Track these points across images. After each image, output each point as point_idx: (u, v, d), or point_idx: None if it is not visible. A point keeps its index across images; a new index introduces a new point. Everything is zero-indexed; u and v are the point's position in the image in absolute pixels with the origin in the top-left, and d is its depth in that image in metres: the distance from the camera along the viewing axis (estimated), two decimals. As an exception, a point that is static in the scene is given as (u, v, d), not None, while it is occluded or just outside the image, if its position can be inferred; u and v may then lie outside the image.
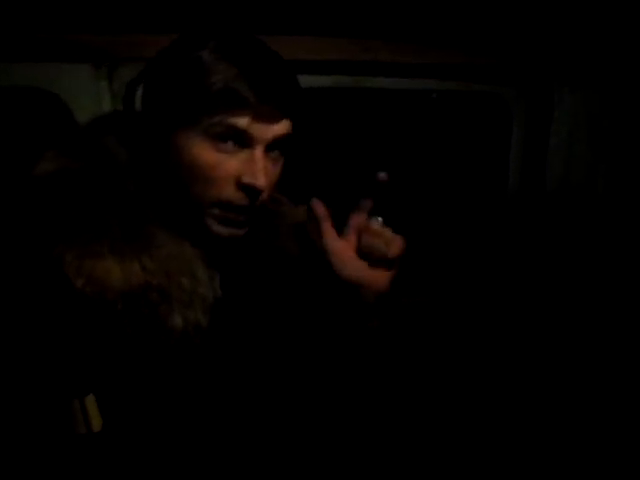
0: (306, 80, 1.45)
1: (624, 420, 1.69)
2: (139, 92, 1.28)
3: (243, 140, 0.73)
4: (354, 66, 1.44)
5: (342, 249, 0.79)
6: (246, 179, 0.73)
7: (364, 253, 0.79)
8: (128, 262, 0.69)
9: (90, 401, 0.64)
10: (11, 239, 0.69)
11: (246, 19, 1.28)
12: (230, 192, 0.74)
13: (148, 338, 0.69)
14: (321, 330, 0.86)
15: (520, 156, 1.71)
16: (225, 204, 0.74)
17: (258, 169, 0.73)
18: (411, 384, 1.59)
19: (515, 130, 1.69)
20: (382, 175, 0.78)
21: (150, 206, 0.76)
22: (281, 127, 0.74)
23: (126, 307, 0.68)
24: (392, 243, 0.79)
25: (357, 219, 0.79)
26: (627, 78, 1.61)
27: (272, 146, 0.75)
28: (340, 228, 0.82)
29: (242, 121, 0.71)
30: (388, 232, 0.79)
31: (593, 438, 1.69)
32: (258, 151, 0.73)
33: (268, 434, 0.81)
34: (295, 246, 0.92)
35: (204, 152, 0.72)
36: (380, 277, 0.80)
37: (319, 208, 0.79)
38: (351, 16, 1.36)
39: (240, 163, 0.73)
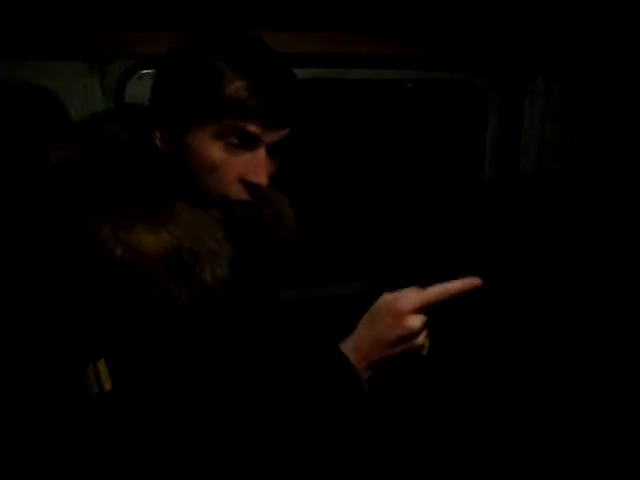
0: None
1: (623, 415, 1.69)
2: (128, 87, 1.34)
3: (250, 142, 0.79)
4: (332, 58, 1.49)
5: None
6: (250, 178, 0.80)
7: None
8: (157, 231, 0.75)
9: (102, 364, 0.70)
10: (47, 220, 0.75)
11: (229, 15, 1.33)
12: (235, 189, 0.80)
13: (185, 293, 0.75)
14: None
15: (495, 142, 1.76)
16: (230, 201, 0.81)
17: (262, 168, 0.79)
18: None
19: (490, 117, 1.74)
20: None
21: (164, 182, 0.82)
22: (285, 131, 0.81)
23: (165, 268, 0.74)
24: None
25: None
26: (598, 64, 1.64)
27: (273, 146, 0.81)
28: None
29: (252, 127, 0.77)
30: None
31: (593, 436, 1.69)
32: (262, 152, 0.80)
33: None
34: (277, 226, 1.01)
35: (212, 152, 0.78)
36: None
37: None
38: (329, 10, 1.42)
39: (245, 162, 0.80)
